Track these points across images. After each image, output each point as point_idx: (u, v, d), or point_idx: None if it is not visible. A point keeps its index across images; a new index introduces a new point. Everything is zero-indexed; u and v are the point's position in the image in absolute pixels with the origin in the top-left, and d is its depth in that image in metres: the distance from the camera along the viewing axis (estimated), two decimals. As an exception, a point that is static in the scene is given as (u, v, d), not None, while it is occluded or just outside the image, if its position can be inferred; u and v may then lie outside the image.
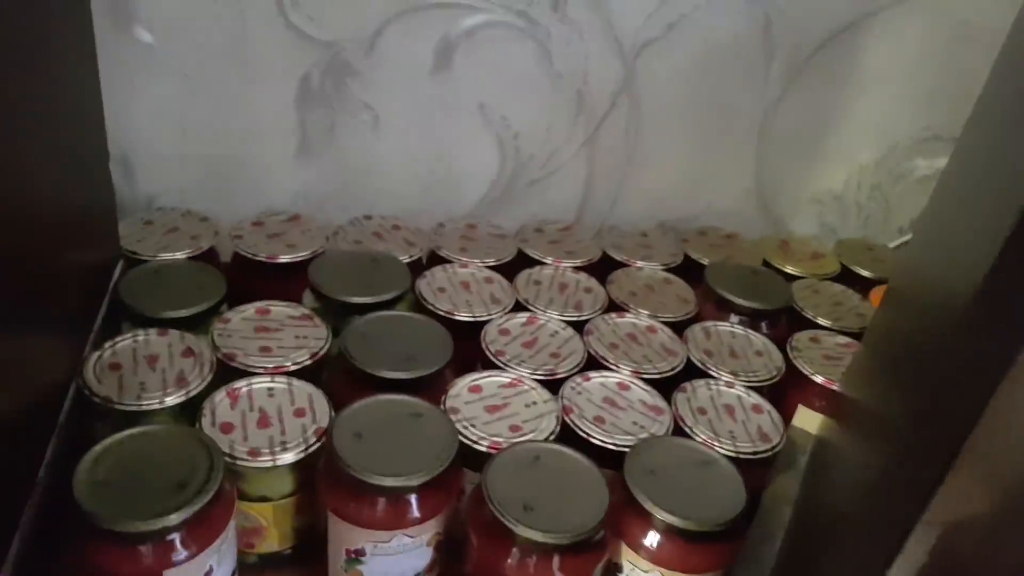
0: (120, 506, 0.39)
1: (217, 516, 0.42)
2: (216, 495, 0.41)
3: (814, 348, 0.63)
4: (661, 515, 0.45)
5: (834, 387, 0.59)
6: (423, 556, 0.47)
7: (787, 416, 0.57)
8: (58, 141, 0.47)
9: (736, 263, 0.72)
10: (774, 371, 0.60)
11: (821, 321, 0.67)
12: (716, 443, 0.52)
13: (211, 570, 0.42)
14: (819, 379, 0.60)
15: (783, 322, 0.67)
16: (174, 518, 0.39)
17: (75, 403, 0.47)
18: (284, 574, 0.49)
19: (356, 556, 0.45)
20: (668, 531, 0.45)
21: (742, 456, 0.52)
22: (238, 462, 0.45)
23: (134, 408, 0.46)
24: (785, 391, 0.61)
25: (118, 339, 0.50)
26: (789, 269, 0.74)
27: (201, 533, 0.41)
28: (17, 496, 0.41)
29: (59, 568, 0.43)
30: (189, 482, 0.41)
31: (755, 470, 0.52)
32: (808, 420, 0.58)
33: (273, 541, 0.48)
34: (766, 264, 0.75)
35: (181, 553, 0.40)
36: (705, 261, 0.73)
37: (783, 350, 0.63)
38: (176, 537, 0.40)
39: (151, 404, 0.47)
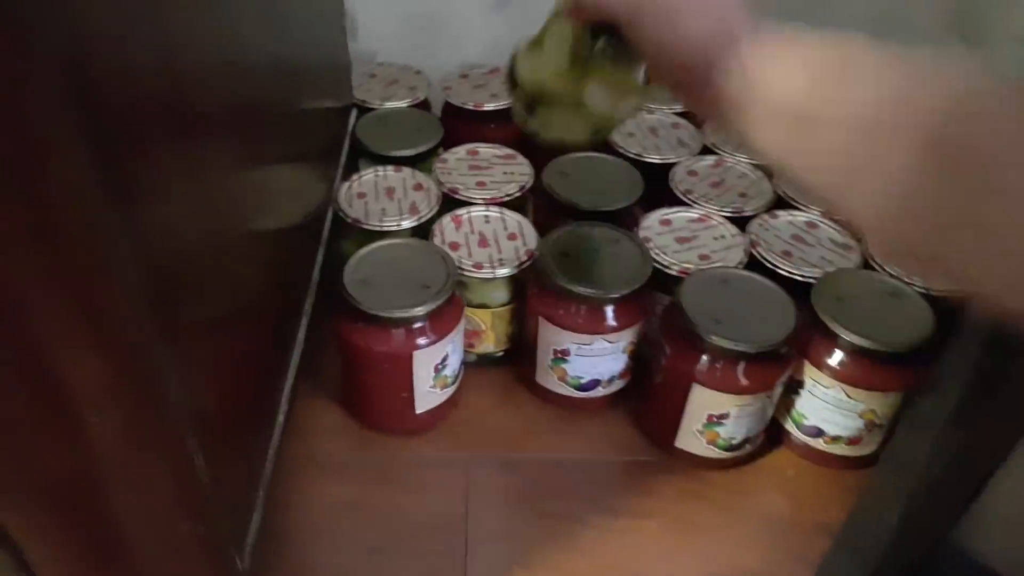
0: (380, 299, 0.49)
1: (451, 313, 0.51)
2: (451, 295, 0.50)
3: None
4: (846, 335, 0.48)
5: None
6: (619, 361, 0.53)
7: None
8: (310, 3, 0.55)
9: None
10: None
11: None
12: (907, 279, 0.53)
13: (447, 356, 0.51)
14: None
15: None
16: (420, 310, 0.48)
17: (332, 224, 0.57)
18: (498, 370, 0.58)
19: (562, 356, 0.53)
20: (852, 350, 0.49)
21: (934, 293, 0.53)
22: (465, 273, 0.53)
23: (377, 228, 0.55)
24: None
25: (363, 173, 0.59)
26: None
27: (440, 325, 0.50)
28: (301, 291, 0.52)
29: (330, 348, 0.55)
30: (431, 284, 0.50)
31: (949, 310, 0.53)
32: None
33: (490, 343, 0.57)
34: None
35: (425, 339, 0.49)
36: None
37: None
38: (422, 326, 0.49)
39: (391, 226, 0.56)
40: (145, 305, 0.28)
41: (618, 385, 0.55)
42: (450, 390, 0.54)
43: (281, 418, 0.45)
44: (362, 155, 0.63)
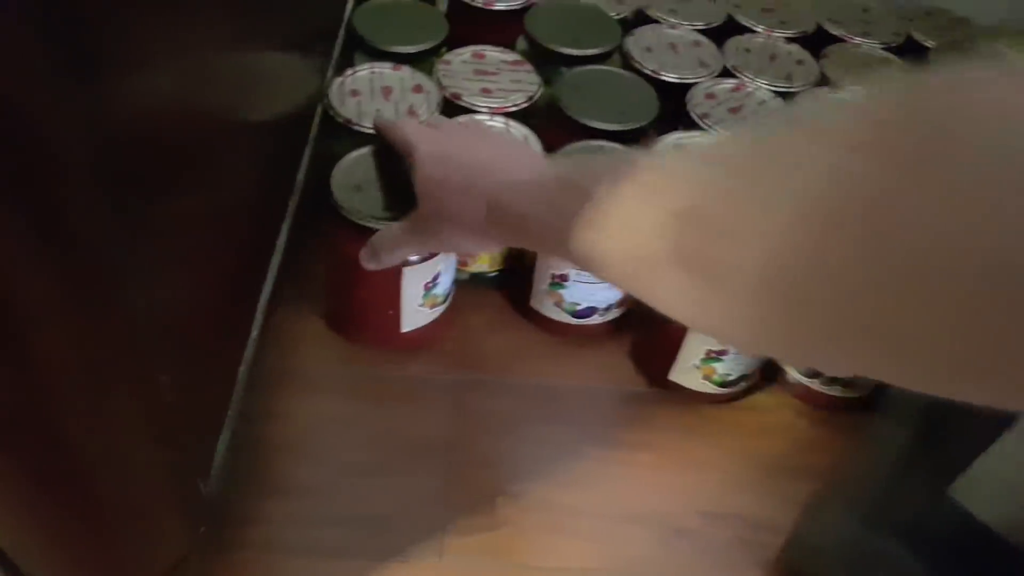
0: (371, 208, 0.45)
1: (448, 228, 0.47)
2: (450, 209, 0.46)
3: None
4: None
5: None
6: (617, 290, 0.51)
7: None
8: None
9: (966, 48, 0.65)
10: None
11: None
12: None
13: (439, 275, 0.48)
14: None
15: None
16: (416, 222, 0.45)
17: (322, 122, 0.53)
18: (491, 291, 0.56)
19: (560, 280, 0.50)
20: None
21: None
22: (463, 186, 0.49)
23: (370, 130, 0.51)
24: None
25: (358, 69, 0.54)
26: (1031, 58, 0.67)
27: (436, 240, 0.47)
28: (284, 192, 0.48)
29: (314, 255, 0.51)
30: (427, 195, 0.46)
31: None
32: None
33: (484, 262, 0.54)
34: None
35: (417, 255, 0.46)
36: (930, 44, 0.67)
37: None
38: (417, 240, 0.46)
39: (386, 129, 0.51)
40: (102, 193, 0.24)
41: (615, 314, 0.53)
42: (440, 309, 0.51)
43: (255, 332, 0.43)
44: (358, 48, 0.58)
